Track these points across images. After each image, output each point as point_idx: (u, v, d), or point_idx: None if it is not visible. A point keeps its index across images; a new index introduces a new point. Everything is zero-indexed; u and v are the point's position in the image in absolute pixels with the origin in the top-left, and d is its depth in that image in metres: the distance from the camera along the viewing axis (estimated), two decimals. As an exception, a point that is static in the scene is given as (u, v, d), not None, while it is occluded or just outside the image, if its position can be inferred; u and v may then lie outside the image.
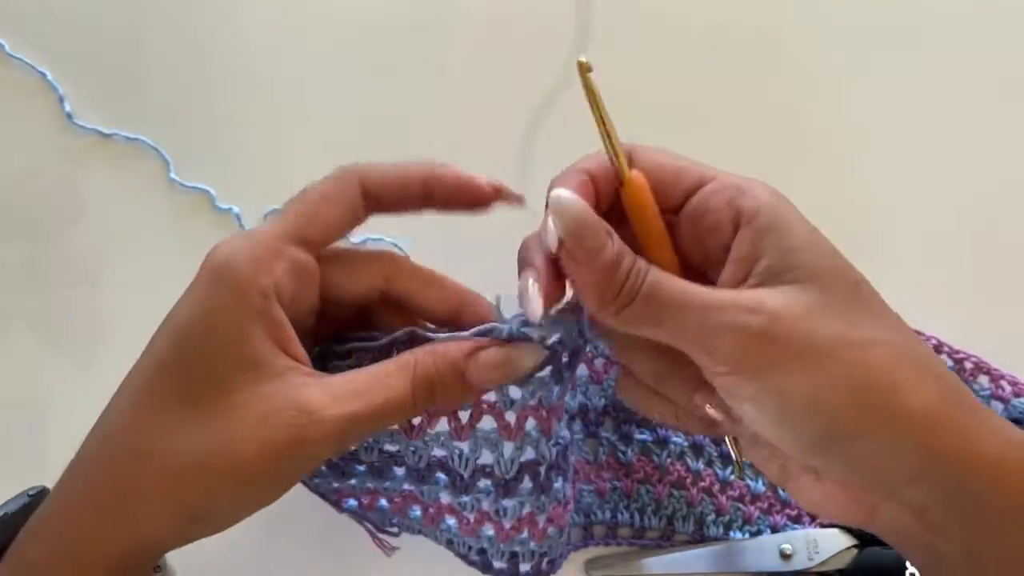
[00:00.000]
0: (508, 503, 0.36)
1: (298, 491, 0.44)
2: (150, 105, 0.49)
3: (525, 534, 0.37)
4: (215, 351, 0.31)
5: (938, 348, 0.45)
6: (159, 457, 0.31)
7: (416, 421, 0.36)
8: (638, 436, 0.44)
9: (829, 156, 0.49)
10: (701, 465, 0.44)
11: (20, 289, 0.47)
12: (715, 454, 0.44)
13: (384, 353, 0.35)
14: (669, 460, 0.44)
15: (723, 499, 0.44)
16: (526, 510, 0.37)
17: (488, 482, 0.36)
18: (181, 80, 0.50)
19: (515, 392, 0.35)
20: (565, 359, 0.34)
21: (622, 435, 0.44)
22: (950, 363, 0.45)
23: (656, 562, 0.43)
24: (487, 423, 0.36)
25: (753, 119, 0.49)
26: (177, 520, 0.31)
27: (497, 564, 0.38)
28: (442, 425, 0.36)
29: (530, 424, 0.36)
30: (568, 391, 0.36)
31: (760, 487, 0.44)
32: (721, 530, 0.43)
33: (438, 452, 0.36)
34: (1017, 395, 0.44)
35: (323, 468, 0.38)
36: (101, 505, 0.31)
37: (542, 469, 0.36)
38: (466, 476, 0.36)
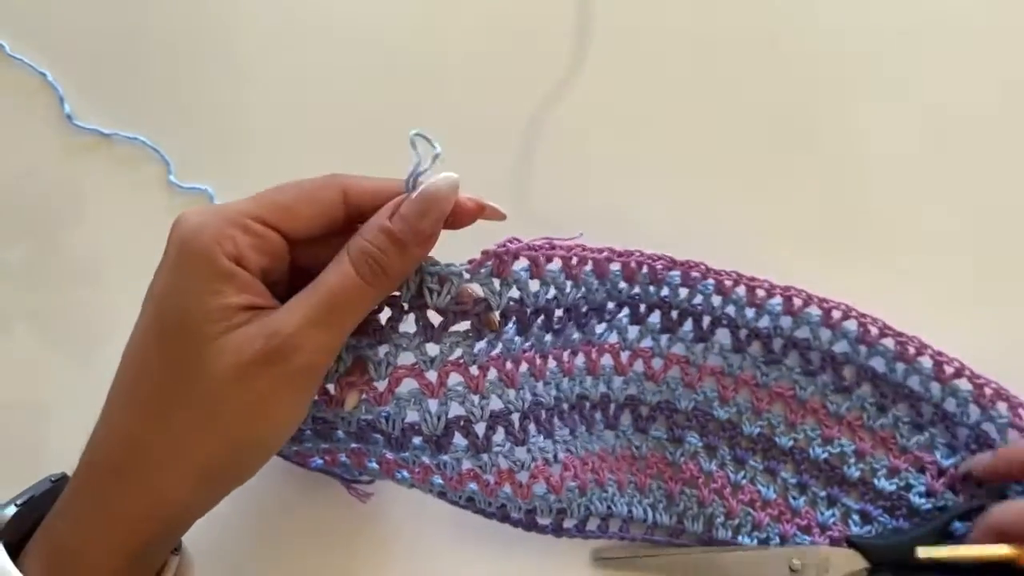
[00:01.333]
0: (445, 458, 0.38)
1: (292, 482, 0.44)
2: (150, 105, 0.49)
3: (473, 486, 0.39)
4: (190, 312, 0.32)
5: (959, 372, 0.44)
6: (162, 421, 0.32)
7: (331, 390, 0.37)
8: (653, 432, 0.44)
9: (829, 156, 0.49)
10: (714, 467, 0.44)
11: (20, 289, 0.47)
12: (728, 456, 0.44)
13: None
14: (683, 458, 0.44)
15: (733, 502, 0.44)
16: (466, 466, 0.38)
17: (419, 439, 0.38)
18: (181, 80, 0.50)
19: (434, 350, 0.36)
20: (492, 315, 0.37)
21: (638, 429, 0.44)
22: (969, 387, 0.44)
23: (662, 563, 0.43)
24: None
25: (753, 120, 0.49)
26: (194, 480, 0.33)
27: (463, 502, 0.40)
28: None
29: (455, 380, 0.38)
30: (498, 345, 0.38)
31: (771, 494, 0.44)
32: (729, 533, 0.43)
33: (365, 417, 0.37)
34: None
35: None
36: (120, 476, 0.33)
37: (476, 426, 0.38)
38: (396, 435, 0.38)
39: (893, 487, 0.44)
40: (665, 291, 0.43)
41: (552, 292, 0.39)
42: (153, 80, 0.50)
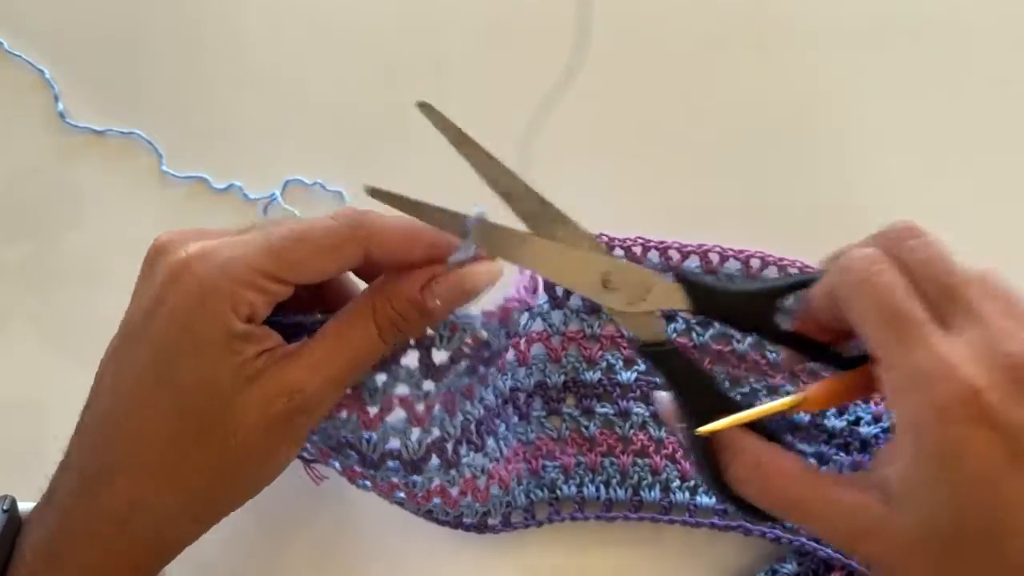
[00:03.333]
0: (417, 479, 0.39)
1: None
2: (144, 99, 0.49)
3: (437, 501, 0.40)
4: (208, 375, 0.32)
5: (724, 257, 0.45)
6: (177, 483, 0.33)
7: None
8: (599, 409, 0.45)
9: (829, 156, 0.49)
10: (663, 433, 0.44)
11: (20, 289, 0.47)
12: None
13: None
14: (632, 431, 0.44)
15: (687, 464, 0.44)
16: (435, 483, 0.39)
17: (394, 463, 0.39)
18: (177, 76, 0.50)
19: (429, 386, 0.37)
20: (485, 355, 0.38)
21: (584, 410, 0.44)
22: (738, 265, 0.45)
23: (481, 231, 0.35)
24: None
25: (753, 119, 0.49)
26: (200, 526, 0.34)
27: (468, 521, 0.42)
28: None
29: (438, 408, 0.38)
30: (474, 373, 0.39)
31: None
32: (687, 495, 0.43)
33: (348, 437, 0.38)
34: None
35: None
36: (125, 528, 0.33)
37: (448, 445, 0.39)
38: (375, 459, 0.38)
39: (844, 423, 0.44)
40: None
41: None
42: (148, 75, 0.50)
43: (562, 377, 0.45)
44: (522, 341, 0.44)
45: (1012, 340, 0.29)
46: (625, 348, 0.45)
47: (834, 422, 0.44)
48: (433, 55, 0.50)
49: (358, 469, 0.39)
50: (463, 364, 0.37)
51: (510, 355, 0.44)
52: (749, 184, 0.49)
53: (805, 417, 0.44)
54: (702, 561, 0.44)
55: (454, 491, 0.40)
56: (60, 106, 0.49)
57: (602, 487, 0.44)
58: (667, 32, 0.50)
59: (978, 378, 0.28)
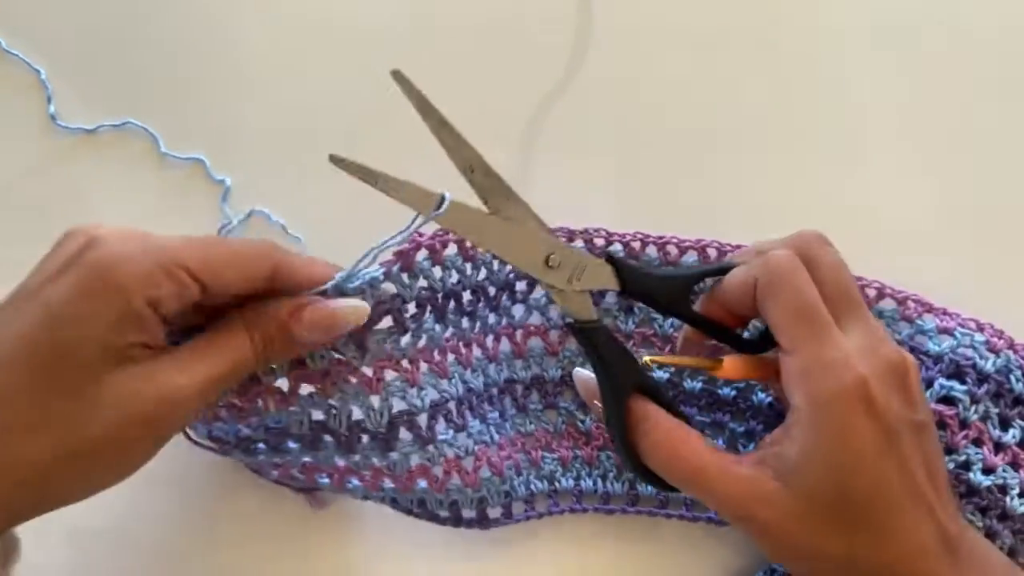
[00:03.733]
0: (394, 456, 0.39)
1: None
2: (139, 100, 0.49)
3: (423, 484, 0.40)
4: (85, 344, 0.32)
5: (881, 293, 0.45)
6: (17, 428, 0.31)
7: (284, 387, 0.38)
8: (562, 406, 0.45)
9: (829, 156, 0.49)
10: None
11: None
12: None
13: None
14: (592, 426, 0.44)
15: None
16: (415, 461, 0.39)
17: (367, 437, 0.39)
18: (171, 74, 0.50)
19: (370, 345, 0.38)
20: (411, 311, 0.38)
21: (580, 404, 0.44)
22: (893, 304, 0.45)
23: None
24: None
25: (753, 119, 0.49)
26: (23, 493, 0.32)
27: (416, 510, 0.42)
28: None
29: (392, 376, 0.39)
30: (422, 337, 0.39)
31: (722, 445, 0.44)
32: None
33: (317, 415, 0.39)
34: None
35: (231, 447, 0.40)
36: None
37: (419, 419, 0.39)
38: (345, 432, 0.38)
39: (735, 392, 0.44)
40: None
41: (455, 276, 0.40)
42: (144, 76, 0.50)
43: (559, 371, 0.45)
44: (518, 333, 0.44)
45: (887, 344, 0.36)
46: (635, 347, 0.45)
47: (727, 391, 0.45)
48: (433, 55, 0.50)
49: (341, 464, 0.39)
50: (428, 313, 0.39)
51: (505, 346, 0.44)
52: (749, 184, 0.49)
53: (697, 385, 0.45)
54: (700, 557, 0.44)
55: (437, 471, 0.40)
56: (52, 108, 0.49)
57: (599, 480, 0.44)
58: (667, 32, 0.50)
59: (867, 373, 0.34)
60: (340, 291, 0.36)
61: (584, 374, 0.40)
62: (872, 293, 0.45)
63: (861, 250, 0.47)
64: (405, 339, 0.39)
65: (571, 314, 0.37)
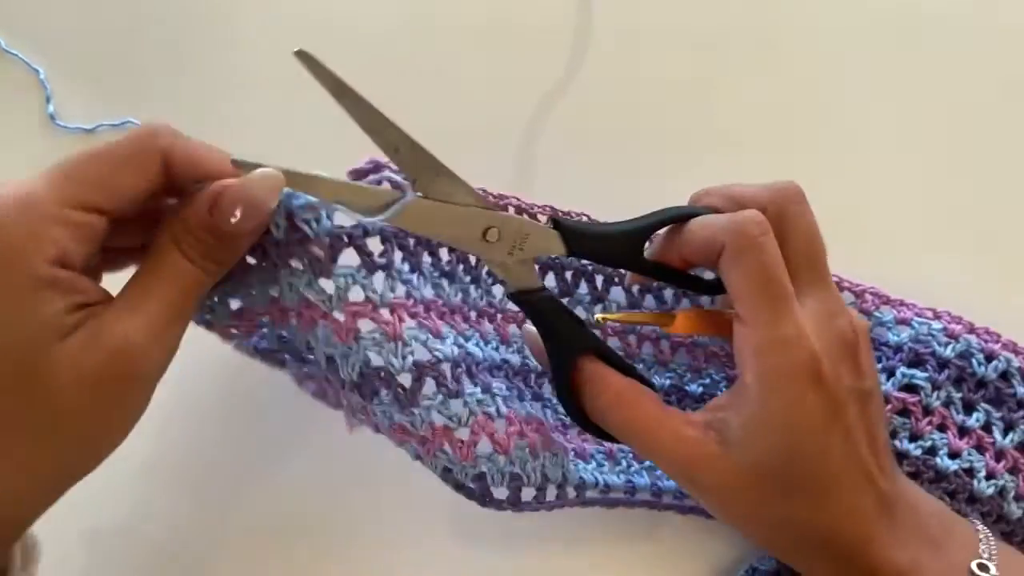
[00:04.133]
0: (375, 409, 0.36)
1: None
2: (138, 100, 0.49)
3: (447, 447, 0.36)
4: (14, 326, 0.29)
5: (839, 286, 0.45)
6: None
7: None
8: None
9: (828, 156, 0.49)
10: None
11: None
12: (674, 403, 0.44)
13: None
14: None
15: None
16: (437, 420, 0.36)
17: (387, 390, 0.36)
18: (171, 73, 0.50)
19: (330, 287, 0.34)
20: (377, 248, 0.35)
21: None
22: (851, 298, 0.45)
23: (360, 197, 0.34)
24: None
25: (752, 120, 0.49)
26: (16, 499, 0.30)
27: (469, 485, 0.38)
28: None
29: (370, 327, 0.35)
30: (398, 284, 0.36)
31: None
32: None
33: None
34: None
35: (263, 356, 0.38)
36: None
37: (401, 378, 0.35)
38: (355, 378, 0.35)
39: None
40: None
41: None
42: (143, 76, 0.50)
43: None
44: (499, 316, 0.43)
45: (842, 315, 0.36)
46: (629, 344, 0.45)
47: (694, 387, 0.44)
48: (433, 55, 0.50)
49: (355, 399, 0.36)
50: (400, 256, 0.36)
51: (487, 325, 0.42)
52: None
53: (665, 383, 0.44)
54: (689, 550, 0.44)
55: (463, 434, 0.37)
56: (51, 108, 0.49)
57: (596, 474, 0.43)
58: (667, 32, 0.50)
59: (819, 348, 0.34)
60: (287, 211, 0.33)
61: (532, 330, 0.39)
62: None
63: (861, 249, 0.48)
64: (379, 282, 0.35)
65: (514, 285, 0.36)
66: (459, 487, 0.38)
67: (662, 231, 0.39)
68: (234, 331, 0.37)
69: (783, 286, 0.35)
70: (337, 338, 0.34)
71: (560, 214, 0.43)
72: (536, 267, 0.36)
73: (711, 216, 0.37)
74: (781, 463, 0.34)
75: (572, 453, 0.42)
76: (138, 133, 0.32)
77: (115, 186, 0.31)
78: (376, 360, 0.35)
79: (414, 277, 0.37)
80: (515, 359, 0.42)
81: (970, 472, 0.41)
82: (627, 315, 0.40)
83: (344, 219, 0.34)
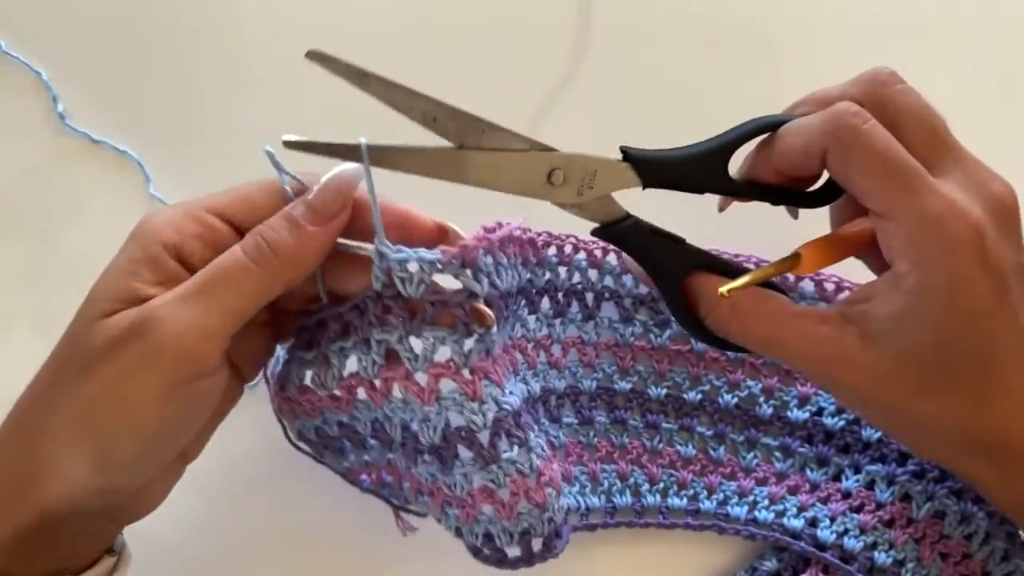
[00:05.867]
0: (455, 474, 0.35)
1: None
2: (141, 104, 0.49)
3: (489, 510, 0.35)
4: (98, 288, 0.32)
5: (839, 287, 0.44)
6: (55, 407, 0.31)
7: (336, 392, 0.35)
8: (565, 420, 0.44)
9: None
10: (627, 439, 0.44)
11: (20, 289, 0.47)
12: (640, 425, 0.44)
13: (357, 313, 0.34)
14: (596, 439, 0.44)
15: (654, 468, 0.44)
16: (476, 482, 0.35)
17: (426, 452, 0.35)
18: (174, 77, 0.50)
19: (419, 347, 0.34)
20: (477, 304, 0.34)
21: (552, 420, 0.44)
22: (812, 287, 0.44)
23: (404, 158, 0.34)
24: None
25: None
26: (83, 465, 0.31)
27: (484, 550, 0.37)
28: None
29: (450, 387, 0.34)
30: (496, 353, 0.35)
31: (691, 450, 0.44)
32: (658, 498, 0.43)
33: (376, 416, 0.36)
34: None
35: (319, 444, 0.38)
36: (11, 456, 0.32)
37: (480, 436, 0.35)
38: (400, 441, 0.35)
39: (806, 415, 0.44)
40: (548, 274, 0.43)
41: (511, 277, 0.37)
42: (146, 78, 0.50)
43: (539, 386, 0.43)
44: (555, 347, 0.44)
45: (995, 181, 0.32)
46: (623, 357, 0.45)
47: (797, 414, 0.44)
48: (433, 55, 0.50)
49: (414, 474, 0.36)
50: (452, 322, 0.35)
51: (542, 356, 0.43)
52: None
53: (767, 410, 0.44)
54: (677, 562, 0.44)
55: (503, 494, 0.35)
56: (60, 107, 0.49)
57: (577, 497, 0.42)
58: (667, 32, 0.50)
59: (979, 218, 0.30)
60: (385, 271, 0.33)
61: (632, 261, 0.37)
62: (831, 287, 0.45)
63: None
64: (468, 344, 0.34)
65: (597, 220, 0.35)
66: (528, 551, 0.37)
67: (752, 146, 0.36)
68: (297, 407, 0.36)
69: (908, 163, 0.31)
70: (419, 401, 0.34)
71: (574, 242, 0.42)
72: (614, 199, 0.35)
73: (801, 120, 0.34)
74: (939, 354, 0.31)
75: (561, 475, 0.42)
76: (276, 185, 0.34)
77: (255, 205, 0.33)
78: (457, 420, 0.35)
79: (496, 334, 0.36)
80: (536, 387, 0.42)
81: None
82: (751, 277, 0.35)
83: (441, 277, 0.34)
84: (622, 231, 0.35)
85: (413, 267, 0.32)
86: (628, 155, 0.35)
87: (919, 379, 0.31)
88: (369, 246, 0.33)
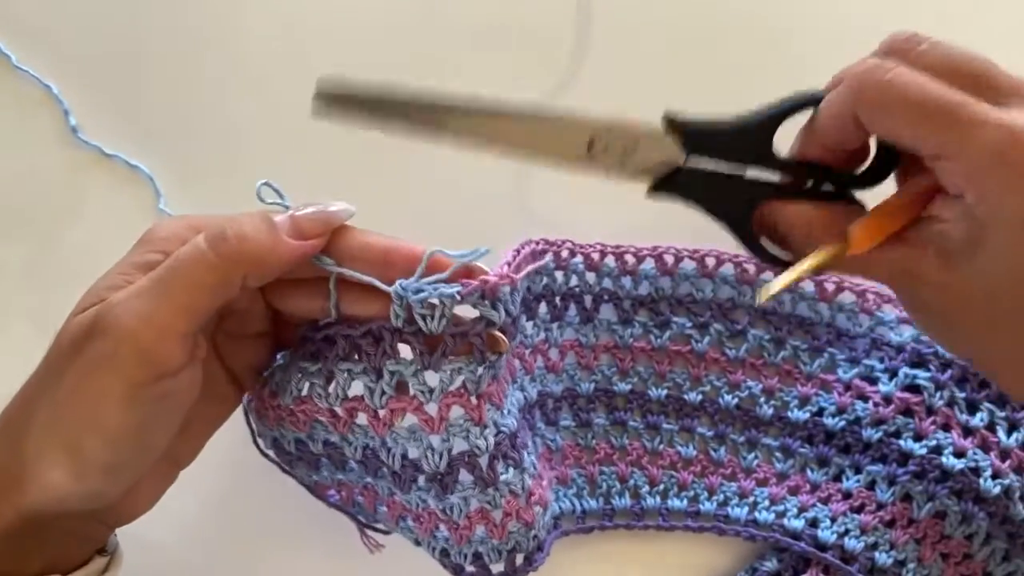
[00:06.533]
0: (453, 499, 0.35)
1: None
2: (150, 116, 0.49)
3: (481, 531, 0.36)
4: (89, 293, 0.32)
5: (839, 288, 0.45)
6: (36, 409, 0.31)
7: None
8: (562, 423, 0.44)
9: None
10: (626, 440, 0.44)
11: (20, 289, 0.47)
12: (641, 426, 0.44)
13: (369, 336, 0.34)
14: (594, 441, 0.44)
15: (654, 469, 0.44)
16: (474, 505, 0.35)
17: (424, 479, 0.35)
18: (188, 104, 0.50)
19: (433, 380, 0.33)
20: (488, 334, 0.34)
21: (549, 423, 0.44)
22: (853, 298, 0.45)
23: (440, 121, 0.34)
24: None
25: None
26: (57, 468, 0.30)
27: (468, 568, 0.37)
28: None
29: (457, 413, 0.34)
30: (500, 375, 0.35)
31: (691, 451, 0.44)
32: (658, 500, 0.43)
33: (372, 443, 0.35)
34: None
35: (294, 457, 0.38)
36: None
37: (481, 460, 0.35)
38: (397, 470, 0.35)
39: (806, 415, 0.44)
40: (545, 280, 0.44)
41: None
42: (155, 100, 0.50)
43: (536, 391, 0.44)
44: (552, 351, 0.44)
45: None
46: (622, 359, 0.45)
47: (797, 414, 0.44)
48: (433, 55, 0.50)
49: (398, 499, 0.36)
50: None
51: (539, 361, 0.43)
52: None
53: (768, 410, 0.44)
54: (677, 563, 0.44)
55: (497, 515, 0.36)
56: (73, 120, 0.49)
57: (575, 500, 0.43)
58: (667, 32, 0.50)
59: None
60: (405, 308, 0.32)
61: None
62: (831, 287, 0.45)
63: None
64: (479, 370, 0.34)
65: (647, 180, 0.33)
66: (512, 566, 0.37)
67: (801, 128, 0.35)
68: (286, 416, 0.35)
69: (946, 97, 0.29)
70: (427, 430, 0.34)
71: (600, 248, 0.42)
72: (656, 156, 0.33)
73: (832, 92, 0.33)
74: (1015, 286, 0.29)
75: (554, 481, 0.42)
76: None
77: (270, 261, 0.32)
78: (460, 445, 0.34)
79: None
80: (533, 392, 0.42)
81: (976, 471, 0.41)
82: (796, 274, 0.32)
83: (461, 309, 0.33)
84: (680, 183, 0.34)
85: (434, 301, 0.32)
86: (672, 122, 0.33)
87: (995, 311, 0.30)
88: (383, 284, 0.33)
